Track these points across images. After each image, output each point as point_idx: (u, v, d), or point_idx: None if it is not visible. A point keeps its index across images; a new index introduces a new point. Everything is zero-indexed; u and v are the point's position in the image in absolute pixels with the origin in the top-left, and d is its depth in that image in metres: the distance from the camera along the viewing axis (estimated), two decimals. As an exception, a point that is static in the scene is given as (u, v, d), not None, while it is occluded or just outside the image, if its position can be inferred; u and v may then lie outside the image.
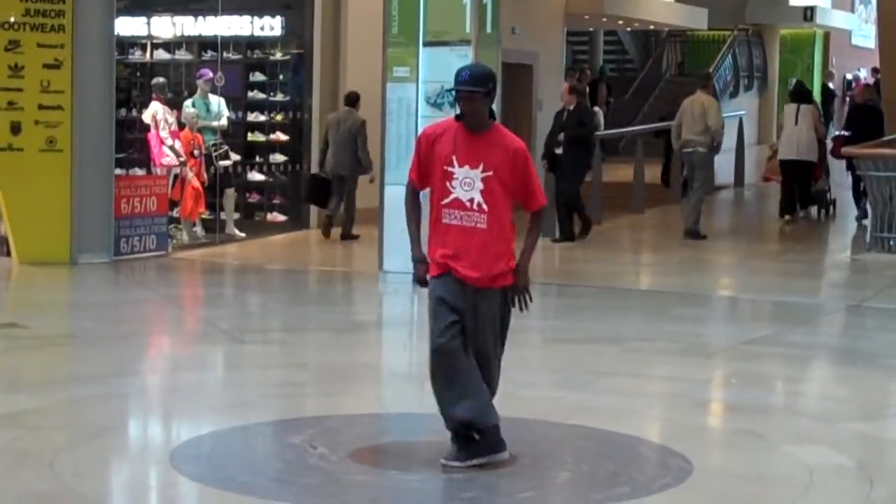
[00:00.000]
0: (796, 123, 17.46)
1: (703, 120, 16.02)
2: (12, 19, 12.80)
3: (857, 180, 17.20)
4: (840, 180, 19.73)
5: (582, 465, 6.51)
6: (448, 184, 6.14)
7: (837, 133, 19.93)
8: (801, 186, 17.82)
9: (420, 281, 6.33)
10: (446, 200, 6.15)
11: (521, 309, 6.32)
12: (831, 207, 18.70)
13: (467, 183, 6.13)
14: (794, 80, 21.03)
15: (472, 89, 6.14)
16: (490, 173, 6.13)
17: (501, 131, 6.30)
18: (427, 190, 6.31)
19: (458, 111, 6.28)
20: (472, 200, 6.13)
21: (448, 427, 6.27)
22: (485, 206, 6.13)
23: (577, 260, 14.74)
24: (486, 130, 6.21)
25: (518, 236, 6.26)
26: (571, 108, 15.54)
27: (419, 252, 6.32)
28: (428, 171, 6.25)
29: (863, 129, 17.23)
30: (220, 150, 15.39)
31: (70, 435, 6.80)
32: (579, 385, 8.19)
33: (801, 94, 18.09)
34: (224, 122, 15.55)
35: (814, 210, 18.55)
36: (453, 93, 6.32)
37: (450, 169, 6.14)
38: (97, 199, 13.07)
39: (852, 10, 36.27)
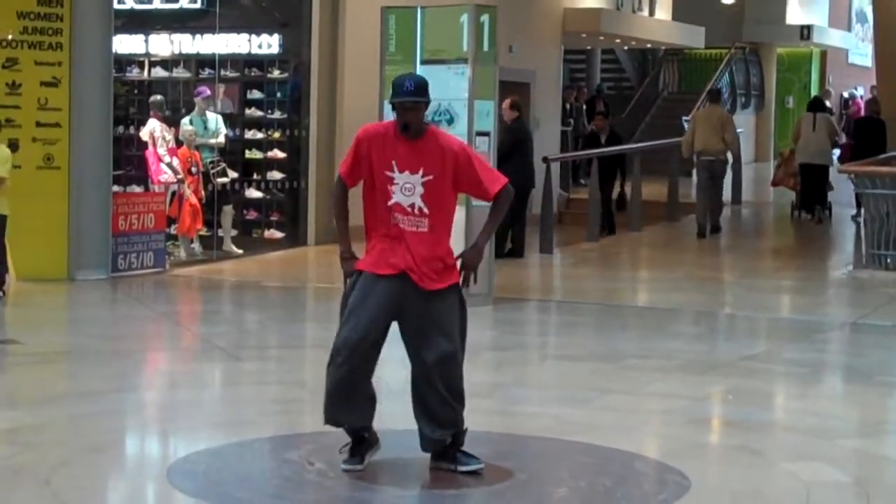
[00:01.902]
0: (814, 130, 19.20)
1: (723, 131, 17.76)
2: (10, 37, 12.81)
3: None
4: (837, 197, 19.98)
5: (579, 482, 6.51)
6: (389, 188, 6.16)
7: (843, 143, 21.14)
8: (816, 188, 19.42)
9: (348, 275, 6.34)
10: (390, 203, 6.17)
11: (465, 285, 6.31)
12: (828, 212, 19.80)
13: (408, 189, 6.16)
14: (790, 98, 22.52)
15: (417, 100, 6.16)
16: (431, 177, 6.15)
17: (437, 134, 6.32)
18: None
19: (403, 121, 6.18)
20: (412, 206, 6.16)
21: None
22: (426, 210, 6.16)
23: (575, 277, 14.75)
24: (423, 136, 6.21)
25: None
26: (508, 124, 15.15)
27: (348, 248, 6.34)
28: (360, 171, 6.25)
29: (867, 140, 18.95)
30: (218, 168, 15.42)
31: (67, 451, 6.79)
32: (577, 402, 8.19)
33: (817, 105, 20.13)
34: (221, 139, 15.57)
35: (819, 211, 19.67)
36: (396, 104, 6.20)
37: (390, 174, 6.16)
38: (95, 216, 13.07)
39: (849, 29, 36.40)
